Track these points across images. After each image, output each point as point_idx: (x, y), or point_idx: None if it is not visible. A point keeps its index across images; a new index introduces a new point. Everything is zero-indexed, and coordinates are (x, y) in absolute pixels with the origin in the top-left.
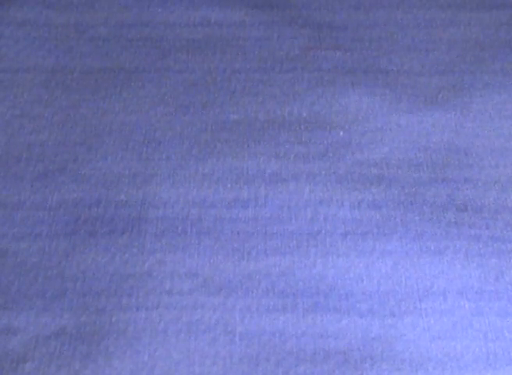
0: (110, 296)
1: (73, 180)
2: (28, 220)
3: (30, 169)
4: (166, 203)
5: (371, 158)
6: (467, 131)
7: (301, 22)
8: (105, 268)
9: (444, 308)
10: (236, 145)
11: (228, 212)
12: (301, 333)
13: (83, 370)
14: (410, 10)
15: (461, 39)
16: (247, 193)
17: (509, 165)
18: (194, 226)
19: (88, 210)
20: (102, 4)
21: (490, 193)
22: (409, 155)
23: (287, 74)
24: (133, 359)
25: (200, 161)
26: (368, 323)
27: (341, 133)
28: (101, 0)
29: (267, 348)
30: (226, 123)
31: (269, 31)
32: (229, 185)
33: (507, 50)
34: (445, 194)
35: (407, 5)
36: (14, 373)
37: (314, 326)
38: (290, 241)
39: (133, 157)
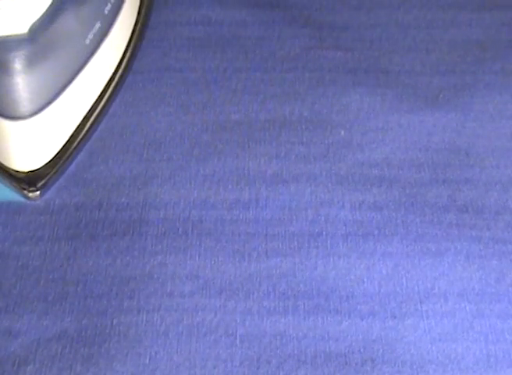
0: (111, 299)
1: (75, 183)
2: (30, 224)
3: None
4: (167, 204)
5: (372, 159)
6: (468, 131)
7: (302, 22)
8: (106, 271)
9: (445, 310)
10: (237, 146)
11: (229, 213)
12: (302, 336)
13: (84, 373)
14: (411, 10)
15: (462, 39)
16: (248, 194)
17: (510, 165)
18: (195, 228)
19: (90, 213)
20: None
21: (491, 194)
22: (410, 156)
23: (288, 73)
24: (134, 362)
25: (200, 162)
26: (368, 324)
27: (342, 132)
28: None
29: (268, 351)
30: (227, 123)
31: (270, 31)
32: (229, 186)
33: (508, 50)
34: (446, 195)
35: (407, 6)
36: None
37: (315, 329)
38: (291, 243)
39: (134, 159)
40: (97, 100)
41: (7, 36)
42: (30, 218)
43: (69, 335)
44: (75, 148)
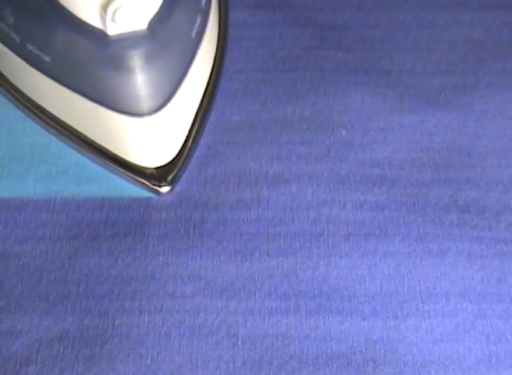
0: (113, 299)
1: (76, 184)
2: (31, 223)
3: (32, 170)
4: (169, 205)
5: (374, 159)
6: (469, 131)
7: (303, 22)
8: (108, 271)
9: (446, 310)
10: (239, 146)
11: (230, 213)
12: (304, 336)
13: (85, 373)
14: (412, 11)
15: (463, 39)
16: (250, 195)
17: (511, 165)
18: (197, 228)
19: (91, 214)
20: None
21: (492, 194)
22: (411, 155)
23: (289, 74)
24: (136, 363)
25: (202, 163)
26: (370, 325)
27: (343, 132)
28: None
29: (270, 351)
30: (229, 124)
31: (271, 31)
32: (231, 187)
33: (509, 50)
34: (447, 195)
35: (408, 6)
36: None
37: (316, 329)
38: (293, 243)
39: None
40: (204, 93)
41: (128, 33)
42: (31, 216)
43: (70, 335)
44: (193, 140)
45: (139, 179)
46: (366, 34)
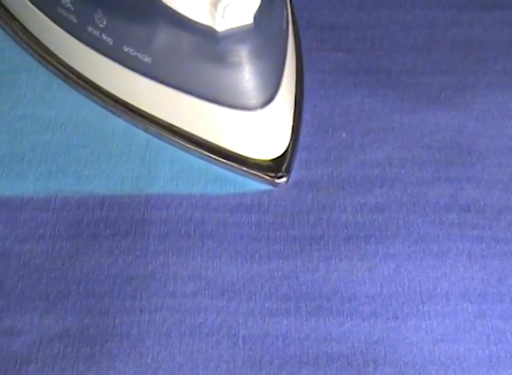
0: (113, 298)
1: (77, 182)
2: (31, 221)
3: (32, 169)
4: (169, 205)
5: (374, 158)
6: (469, 130)
7: (304, 23)
8: (109, 270)
9: (447, 310)
10: None
11: (231, 216)
12: (304, 337)
13: (86, 372)
14: (413, 10)
15: (464, 39)
16: (251, 199)
17: (511, 164)
18: (197, 229)
19: (91, 212)
20: None
21: (493, 192)
22: (412, 154)
23: None
24: (136, 362)
25: (203, 166)
26: (370, 325)
27: (344, 134)
28: None
29: (270, 352)
30: None
31: None
32: (231, 190)
33: (510, 50)
34: (448, 194)
35: (409, 6)
36: None
37: (317, 330)
38: (293, 245)
39: (136, 159)
40: (296, 83)
41: (236, 28)
42: (32, 215)
43: (71, 334)
44: (298, 129)
45: (256, 172)
46: (366, 34)
